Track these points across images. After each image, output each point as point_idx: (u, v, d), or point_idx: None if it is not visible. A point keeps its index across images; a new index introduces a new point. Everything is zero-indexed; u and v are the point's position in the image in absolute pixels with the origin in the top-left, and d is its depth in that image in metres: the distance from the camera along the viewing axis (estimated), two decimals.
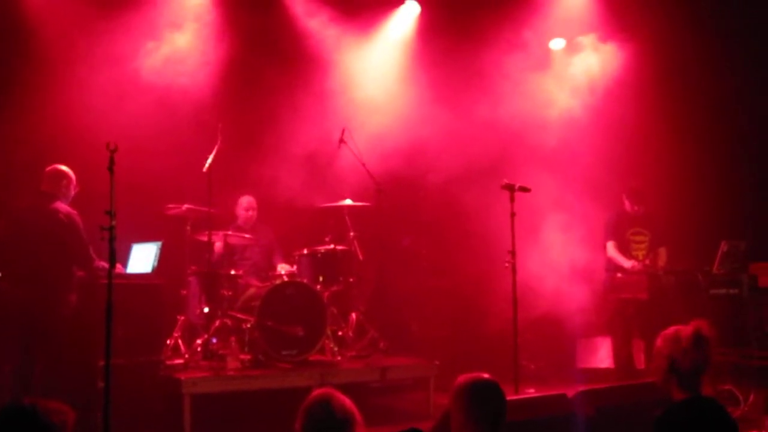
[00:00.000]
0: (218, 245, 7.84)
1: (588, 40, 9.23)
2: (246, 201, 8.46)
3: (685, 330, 3.73)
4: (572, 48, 9.67)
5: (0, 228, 6.48)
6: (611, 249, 8.09)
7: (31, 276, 6.25)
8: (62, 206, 6.40)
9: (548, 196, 8.32)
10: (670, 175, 8.71)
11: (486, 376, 3.40)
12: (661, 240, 8.16)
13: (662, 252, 8.12)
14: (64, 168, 6.54)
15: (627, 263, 7.89)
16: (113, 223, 5.05)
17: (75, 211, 6.43)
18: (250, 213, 8.43)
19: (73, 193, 6.57)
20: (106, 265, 6.07)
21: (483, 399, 3.29)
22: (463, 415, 3.29)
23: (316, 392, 3.15)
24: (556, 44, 9.91)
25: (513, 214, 6.54)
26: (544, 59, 9.74)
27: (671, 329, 3.79)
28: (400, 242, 9.14)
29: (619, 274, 7.93)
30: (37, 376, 6.18)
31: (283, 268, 7.98)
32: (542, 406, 4.60)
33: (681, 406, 3.64)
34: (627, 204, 8.15)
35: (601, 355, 8.92)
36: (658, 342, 3.80)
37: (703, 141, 8.68)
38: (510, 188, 6.58)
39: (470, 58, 8.94)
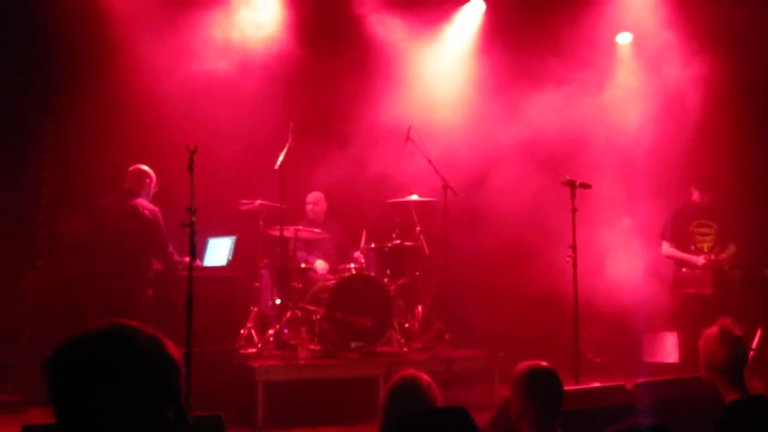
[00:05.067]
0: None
1: (655, 35, 9.22)
2: (312, 196, 8.69)
3: (711, 329, 3.83)
4: (640, 43, 9.64)
5: (88, 226, 6.91)
6: (666, 249, 8.04)
7: (114, 270, 6.62)
8: (145, 203, 6.77)
9: (615, 193, 8.36)
10: (737, 167, 8.63)
11: (544, 363, 3.55)
12: (729, 234, 8.01)
13: (731, 248, 7.93)
14: (145, 167, 6.96)
15: (699, 260, 7.83)
16: (194, 219, 5.35)
17: (157, 208, 6.78)
18: (316, 207, 8.65)
19: (154, 190, 6.95)
20: (183, 259, 6.43)
21: (541, 385, 3.44)
22: (522, 401, 3.44)
23: (403, 372, 3.33)
24: (623, 38, 9.87)
25: (574, 210, 6.57)
26: (611, 54, 9.75)
27: (708, 329, 3.86)
28: (464, 243, 9.22)
29: (684, 269, 7.90)
30: None
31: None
32: (601, 396, 4.70)
33: (735, 408, 3.66)
34: (696, 194, 8.05)
35: (668, 350, 8.88)
36: (699, 342, 3.89)
37: None
38: (571, 184, 6.64)
39: (536, 56, 8.99)
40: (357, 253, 8.31)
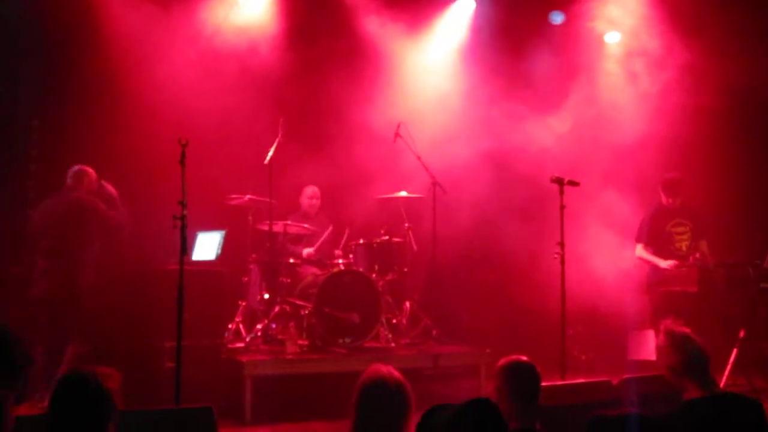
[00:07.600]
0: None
1: (643, 35, 9.27)
2: (310, 190, 8.70)
3: (657, 338, 3.98)
4: (628, 42, 9.68)
5: (36, 223, 7.00)
6: (639, 251, 8.08)
7: (59, 264, 6.75)
8: (85, 195, 6.93)
9: (602, 192, 8.41)
10: (723, 168, 8.70)
11: (524, 358, 3.68)
12: (702, 232, 8.05)
13: (703, 245, 7.98)
14: (86, 168, 7.05)
15: (663, 263, 7.87)
16: (185, 212, 5.36)
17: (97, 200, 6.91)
18: (314, 201, 8.69)
19: (95, 189, 7.03)
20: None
21: (518, 378, 3.59)
22: (500, 394, 3.56)
23: (370, 368, 3.37)
24: (612, 38, 9.89)
25: (562, 207, 6.59)
26: (599, 54, 9.79)
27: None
28: (452, 239, 9.24)
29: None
30: (69, 356, 6.60)
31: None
32: (587, 392, 4.74)
33: (692, 405, 3.72)
34: (663, 197, 8.12)
35: (652, 347, 8.90)
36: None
37: (758, 135, 8.65)
38: (559, 182, 6.66)
39: (525, 55, 9.05)
40: (337, 251, 8.35)
